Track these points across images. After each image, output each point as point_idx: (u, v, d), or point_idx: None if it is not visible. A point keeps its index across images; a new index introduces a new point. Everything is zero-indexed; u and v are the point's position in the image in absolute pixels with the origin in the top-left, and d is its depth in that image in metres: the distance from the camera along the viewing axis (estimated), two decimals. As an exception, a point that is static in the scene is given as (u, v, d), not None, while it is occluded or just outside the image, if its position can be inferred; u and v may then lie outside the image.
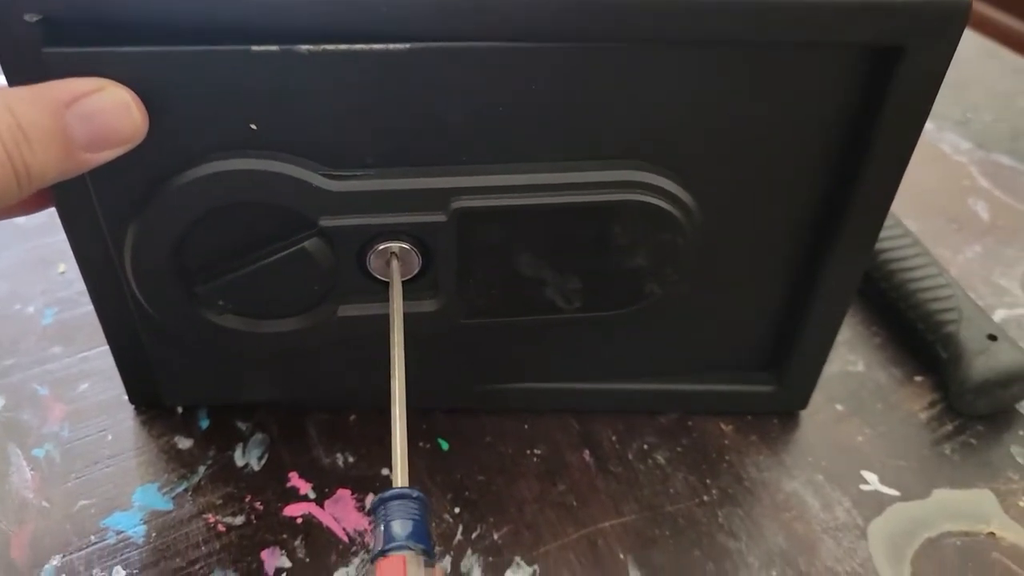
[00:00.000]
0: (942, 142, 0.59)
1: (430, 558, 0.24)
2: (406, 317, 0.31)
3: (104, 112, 0.26)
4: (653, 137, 0.31)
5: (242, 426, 0.39)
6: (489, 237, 0.32)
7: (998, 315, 0.46)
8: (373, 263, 0.32)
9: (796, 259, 0.35)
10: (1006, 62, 0.67)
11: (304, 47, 0.27)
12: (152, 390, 0.38)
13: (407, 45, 0.27)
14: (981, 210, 0.53)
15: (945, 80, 0.29)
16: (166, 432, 0.38)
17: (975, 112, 0.61)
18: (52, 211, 0.31)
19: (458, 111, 0.29)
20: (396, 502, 0.25)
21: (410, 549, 0.24)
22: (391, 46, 0.27)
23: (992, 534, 0.36)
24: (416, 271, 0.32)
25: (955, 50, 0.28)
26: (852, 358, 0.44)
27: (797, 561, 0.35)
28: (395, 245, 0.31)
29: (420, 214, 0.30)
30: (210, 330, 0.33)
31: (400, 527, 0.24)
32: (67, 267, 0.45)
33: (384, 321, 0.30)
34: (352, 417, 0.39)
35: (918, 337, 0.43)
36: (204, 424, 0.39)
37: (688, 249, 0.33)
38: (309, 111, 0.28)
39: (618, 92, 0.29)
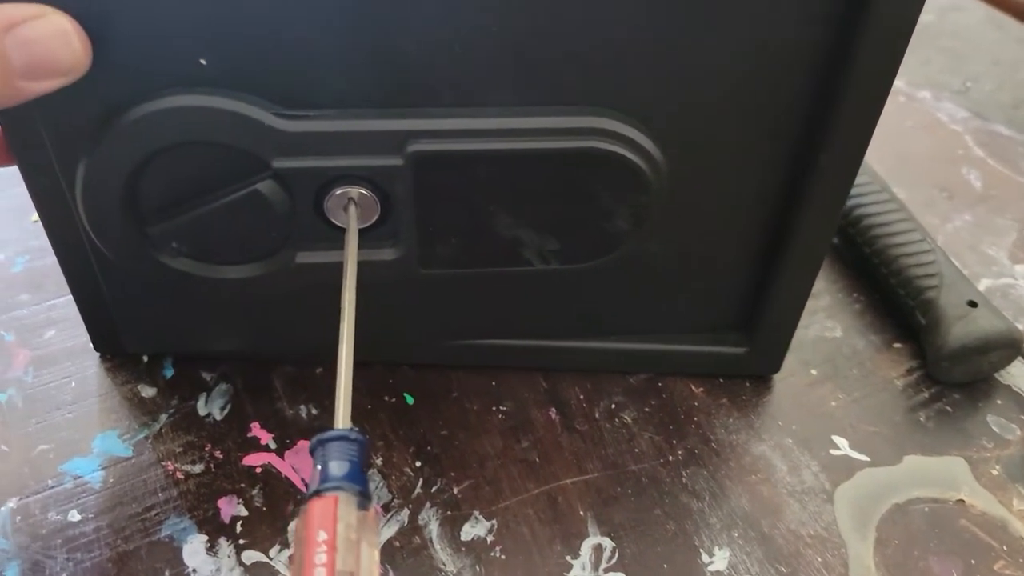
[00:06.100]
0: (939, 111, 0.57)
1: (365, 500, 0.24)
2: (365, 265, 0.30)
3: (43, 39, 0.25)
4: (615, 81, 0.30)
5: (207, 376, 0.38)
6: (449, 185, 0.31)
7: (983, 284, 0.45)
8: (331, 209, 0.31)
9: (767, 215, 0.35)
10: (1010, 32, 0.65)
11: None
12: (116, 337, 0.37)
13: None
14: (974, 179, 0.52)
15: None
16: (130, 380, 0.38)
17: (975, 81, 0.60)
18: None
19: (413, 48, 0.28)
20: (335, 443, 0.24)
21: (344, 490, 0.23)
22: None
23: (962, 501, 0.36)
24: (376, 218, 0.32)
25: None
26: (831, 324, 0.43)
27: (760, 523, 0.35)
28: (353, 190, 0.31)
29: (375, 157, 0.30)
30: (166, 274, 0.32)
31: (337, 468, 0.24)
32: (41, 216, 0.45)
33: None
34: (319, 370, 0.39)
35: (898, 303, 0.42)
36: (168, 373, 0.38)
37: (654, 202, 0.32)
38: (259, 45, 0.27)
39: (576, 30, 0.28)
